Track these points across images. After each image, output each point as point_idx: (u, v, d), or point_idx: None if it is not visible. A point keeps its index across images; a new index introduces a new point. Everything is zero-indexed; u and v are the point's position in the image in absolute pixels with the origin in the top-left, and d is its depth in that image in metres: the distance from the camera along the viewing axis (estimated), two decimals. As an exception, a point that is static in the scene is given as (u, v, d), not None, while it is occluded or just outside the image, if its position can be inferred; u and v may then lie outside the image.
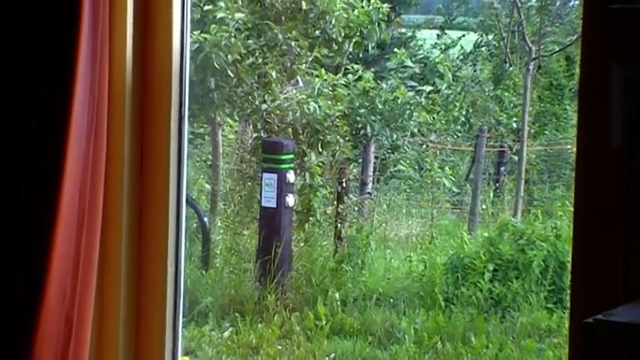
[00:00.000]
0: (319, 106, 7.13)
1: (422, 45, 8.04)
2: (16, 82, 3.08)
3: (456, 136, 7.70)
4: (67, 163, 3.05)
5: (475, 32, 7.98)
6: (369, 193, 7.62)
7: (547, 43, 7.39)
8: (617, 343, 2.71)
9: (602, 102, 2.76)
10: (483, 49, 7.88)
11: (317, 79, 7.14)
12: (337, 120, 7.11)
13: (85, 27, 3.05)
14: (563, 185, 7.34)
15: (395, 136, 7.42)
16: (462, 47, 8.03)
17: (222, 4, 6.91)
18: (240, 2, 6.87)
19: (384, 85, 7.27)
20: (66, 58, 3.05)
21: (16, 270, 3.06)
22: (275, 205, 7.14)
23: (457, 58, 7.87)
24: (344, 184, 7.44)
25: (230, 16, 6.88)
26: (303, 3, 7.04)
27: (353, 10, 7.29)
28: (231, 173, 7.41)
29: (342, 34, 7.14)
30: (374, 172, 7.59)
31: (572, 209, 2.82)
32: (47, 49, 3.06)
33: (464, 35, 7.99)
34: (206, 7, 6.93)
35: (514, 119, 7.45)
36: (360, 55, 7.35)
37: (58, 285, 3.09)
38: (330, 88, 7.14)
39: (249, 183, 7.14)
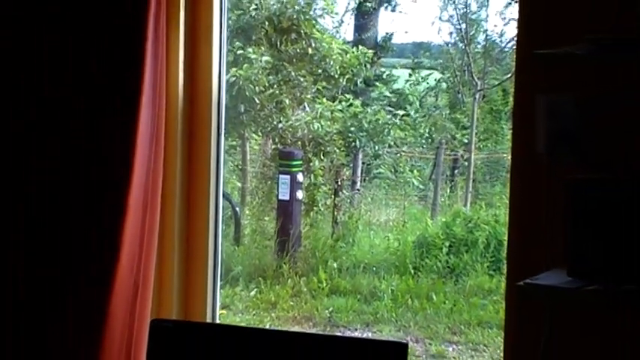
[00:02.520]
0: (321, 126, 7.14)
1: (396, 80, 8.01)
2: (103, 108, 3.08)
3: (422, 147, 7.68)
4: (135, 166, 3.06)
5: (436, 71, 7.94)
6: (357, 189, 7.60)
7: (489, 79, 7.36)
8: (540, 300, 2.71)
9: (529, 122, 2.76)
10: (443, 84, 7.85)
11: (319, 106, 7.14)
12: (334, 136, 7.11)
13: (147, 67, 3.05)
14: (501, 184, 7.32)
15: (377, 147, 7.41)
16: (427, 82, 8.01)
17: (250, 49, 6.90)
18: (263, 49, 6.87)
19: (368, 110, 7.26)
20: (134, 89, 3.05)
21: (98, 245, 3.06)
22: (288, 198, 7.14)
23: (423, 90, 7.84)
24: (339, 183, 7.44)
25: (257, 58, 6.87)
26: (309, 49, 7.05)
27: (346, 55, 7.29)
28: (256, 175, 7.40)
29: (338, 72, 7.14)
30: (361, 174, 7.57)
31: (508, 201, 2.82)
32: (122, 84, 3.06)
33: (429, 75, 7.96)
34: (239, 52, 6.92)
35: (465, 135, 7.42)
36: (351, 88, 7.33)
37: (129, 257, 3.09)
38: (329, 112, 7.13)
39: (269, 182, 7.14)
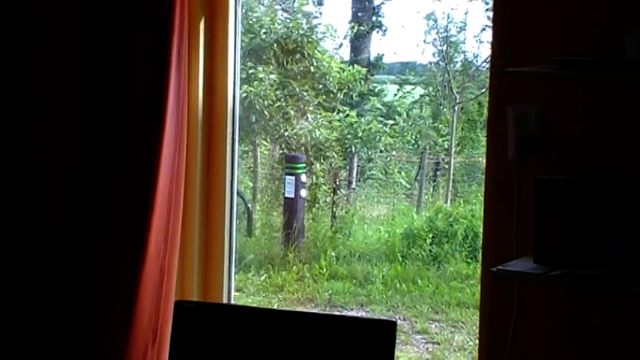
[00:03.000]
0: (321, 133, 7.14)
1: (386, 94, 8.02)
2: (134, 119, 3.08)
3: (408, 152, 7.68)
4: (161, 169, 3.06)
5: (421, 87, 7.94)
6: (353, 188, 7.60)
7: (466, 94, 7.36)
8: (510, 284, 2.71)
9: (501, 130, 2.76)
10: (426, 97, 7.85)
11: (320, 116, 7.14)
12: (333, 142, 7.11)
13: (172, 84, 3.06)
14: (477, 183, 7.31)
15: (369, 152, 7.42)
16: (413, 96, 8.01)
17: (260, 68, 6.91)
18: (271, 67, 6.87)
19: (362, 120, 7.26)
20: (160, 103, 3.05)
21: (130, 236, 3.07)
22: (293, 196, 7.13)
23: (409, 103, 7.84)
24: (337, 183, 7.43)
25: (266, 76, 6.88)
26: (312, 68, 7.05)
27: (343, 72, 7.29)
28: (265, 176, 7.40)
29: (336, 87, 7.14)
30: (356, 175, 7.57)
31: (483, 198, 2.82)
32: (149, 98, 3.07)
33: (414, 90, 7.96)
34: (251, 70, 6.93)
35: (445, 141, 7.43)
36: (348, 101, 7.33)
37: (156, 247, 3.09)
38: (328, 122, 7.14)
39: (277, 182, 7.13)
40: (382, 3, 8.05)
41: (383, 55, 8.04)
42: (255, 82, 6.88)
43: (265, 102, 6.96)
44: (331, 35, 7.62)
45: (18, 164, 3.26)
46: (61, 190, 3.21)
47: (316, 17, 7.57)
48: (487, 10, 7.15)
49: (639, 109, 2.60)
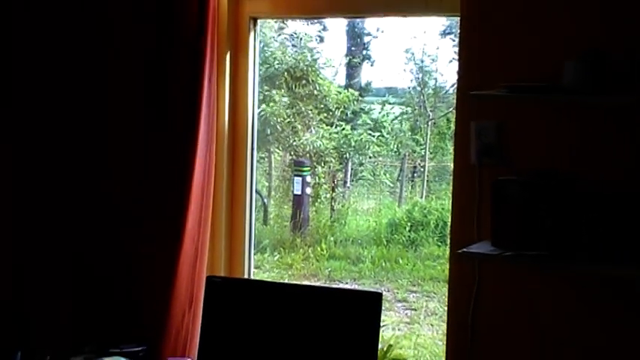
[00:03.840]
0: (322, 143, 7.12)
1: (374, 112, 8.01)
2: (173, 131, 3.08)
3: (391, 158, 7.66)
4: (195, 172, 3.04)
5: (401, 106, 7.93)
6: (348, 187, 7.58)
7: (437, 112, 7.34)
8: (472, 263, 2.70)
9: (465, 141, 2.75)
10: (405, 115, 7.83)
11: (321, 130, 7.12)
12: (331, 150, 7.10)
13: (204, 103, 3.05)
14: (446, 183, 7.28)
15: (360, 158, 7.39)
16: (395, 114, 7.99)
17: (274, 92, 6.91)
18: (283, 91, 6.86)
19: (355, 132, 7.24)
20: (194, 119, 3.04)
21: (171, 225, 3.05)
22: (300, 193, 7.11)
23: (392, 119, 7.83)
24: (335, 182, 7.41)
25: (278, 98, 6.88)
26: (315, 91, 7.04)
27: (340, 94, 7.28)
28: (278, 177, 7.38)
29: (334, 107, 7.12)
30: (350, 176, 7.55)
31: (451, 194, 2.81)
32: (185, 116, 3.06)
33: (392, 107, 7.95)
34: (267, 93, 6.93)
35: (421, 150, 7.41)
36: (343, 117, 7.31)
37: (191, 233, 3.07)
38: (328, 134, 7.12)
39: (287, 182, 7.12)
40: (371, 40, 8.04)
41: (371, 81, 8.04)
42: (271, 103, 6.87)
43: (278, 118, 6.96)
44: (330, 65, 7.61)
45: (91, 156, 3.22)
46: (124, 180, 3.18)
47: (318, 52, 7.56)
48: (454, 45, 7.14)
49: (573, 124, 2.59)
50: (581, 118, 2.58)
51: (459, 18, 2.72)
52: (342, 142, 7.09)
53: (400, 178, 7.67)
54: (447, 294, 2.84)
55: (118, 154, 3.20)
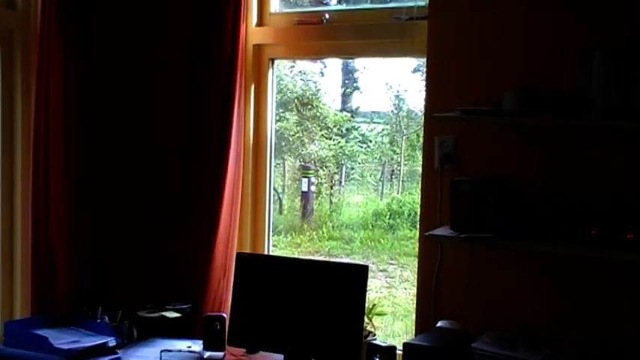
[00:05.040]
0: (323, 153, 7.10)
1: (361, 129, 7.99)
2: (211, 144, 3.09)
3: (375, 164, 7.64)
4: (228, 175, 3.03)
5: (383, 124, 7.91)
6: (342, 185, 7.56)
7: (410, 129, 7.33)
8: (436, 243, 2.71)
9: (430, 152, 2.74)
10: (386, 131, 7.80)
11: (322, 143, 7.11)
12: (330, 158, 7.07)
13: (234, 121, 3.04)
14: (416, 183, 7.26)
15: (352, 164, 7.37)
16: (378, 131, 7.96)
17: (287, 113, 6.89)
18: (293, 113, 6.84)
19: (348, 145, 7.22)
20: (227, 134, 3.04)
21: (210, 215, 3.02)
22: (307, 190, 7.07)
23: (376, 134, 7.80)
24: (332, 182, 7.40)
25: (290, 118, 6.87)
26: (317, 113, 7.01)
27: (336, 116, 7.25)
28: (290, 178, 7.36)
29: (332, 125, 7.10)
30: (344, 177, 7.54)
31: (420, 191, 2.81)
32: (220, 131, 3.06)
33: (375, 126, 7.92)
34: (281, 115, 6.91)
35: (398, 158, 7.40)
36: (339, 133, 7.30)
37: (225, 221, 3.03)
38: (327, 146, 7.11)
39: (297, 182, 7.10)
40: (359, 75, 8.02)
41: (360, 106, 8.03)
42: (284, 122, 6.87)
43: (290, 133, 6.97)
44: (329, 94, 7.61)
45: (152, 151, 3.19)
46: (177, 179, 3.16)
47: (320, 84, 7.56)
48: (422, 80, 7.14)
49: (509, 139, 2.58)
50: (515, 135, 2.57)
51: (425, 59, 2.72)
52: (338, 152, 7.08)
53: (382, 179, 7.64)
54: (417, 265, 2.82)
55: (172, 160, 3.18)
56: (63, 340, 2.50)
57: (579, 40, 2.38)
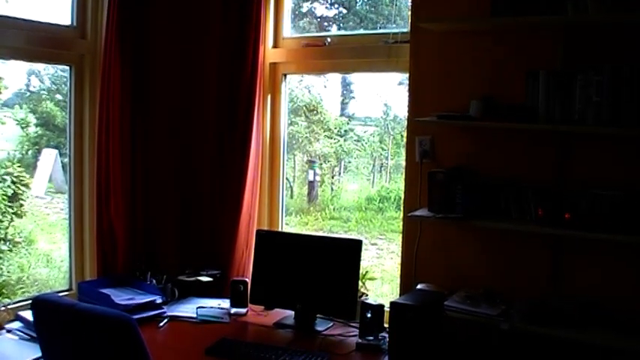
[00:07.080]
0: (326, 150, 7.08)
1: (356, 131, 7.97)
2: (237, 142, 3.03)
3: (368, 159, 7.63)
4: (249, 169, 2.99)
5: (374, 127, 7.88)
6: (341, 176, 7.55)
7: (395, 130, 7.31)
8: (416, 222, 2.72)
9: (412, 149, 2.68)
10: (376, 132, 7.77)
11: (325, 141, 7.10)
12: (332, 154, 7.06)
13: (254, 125, 3.05)
14: (401, 174, 7.25)
15: (349, 159, 7.36)
16: (370, 132, 7.93)
17: (297, 119, 6.86)
18: (302, 118, 6.82)
19: (345, 143, 7.20)
20: (249, 134, 3.02)
21: (235, 201, 2.95)
22: (313, 180, 7.05)
23: (368, 135, 7.78)
24: (333, 173, 7.40)
25: (300, 122, 6.85)
26: (321, 118, 6.97)
27: (337, 120, 7.22)
28: (299, 170, 7.36)
29: (334, 127, 7.08)
30: (343, 169, 7.53)
31: (403, 181, 2.82)
32: (243, 133, 3.06)
33: (368, 128, 7.89)
34: (292, 119, 6.88)
35: (386, 154, 7.36)
36: (339, 134, 7.28)
37: (247, 205, 2.99)
38: (329, 144, 7.09)
39: (305, 172, 7.10)
40: (355, 87, 8.03)
41: (355, 112, 8.05)
42: (295, 125, 6.89)
43: (299, 135, 6.98)
44: (330, 103, 7.62)
45: (189, 148, 3.16)
46: (207, 172, 3.13)
47: (323, 94, 7.57)
48: (405, 91, 7.11)
49: (475, 138, 2.58)
50: (479, 135, 2.56)
51: (408, 75, 2.72)
52: (338, 149, 7.11)
53: (373, 171, 7.67)
54: (401, 240, 2.82)
55: (206, 157, 3.11)
56: (122, 297, 2.59)
57: (528, 63, 2.40)
